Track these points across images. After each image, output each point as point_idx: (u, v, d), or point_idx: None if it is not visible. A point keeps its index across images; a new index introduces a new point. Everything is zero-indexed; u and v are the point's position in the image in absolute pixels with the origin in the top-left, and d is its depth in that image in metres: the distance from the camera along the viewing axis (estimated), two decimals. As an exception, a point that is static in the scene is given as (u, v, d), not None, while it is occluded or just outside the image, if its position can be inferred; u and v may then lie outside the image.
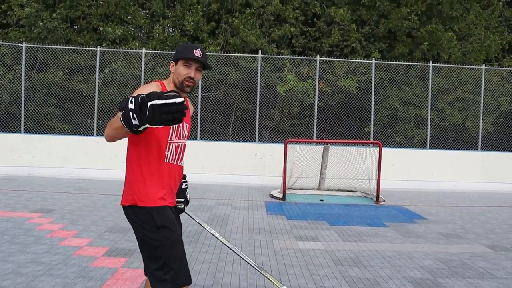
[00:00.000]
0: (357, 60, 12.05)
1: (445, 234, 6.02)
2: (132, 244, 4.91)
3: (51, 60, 11.57)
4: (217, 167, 10.50)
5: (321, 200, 8.44)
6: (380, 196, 8.43)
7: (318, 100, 11.63)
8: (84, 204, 7.00)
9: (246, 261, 2.78)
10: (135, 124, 1.79)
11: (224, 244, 2.81)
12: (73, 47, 11.53)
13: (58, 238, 5.03)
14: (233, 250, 2.81)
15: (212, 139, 11.55)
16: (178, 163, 2.43)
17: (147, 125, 1.80)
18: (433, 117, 11.96)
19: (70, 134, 11.06)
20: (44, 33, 12.11)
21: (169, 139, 2.33)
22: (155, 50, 11.89)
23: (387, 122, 12.16)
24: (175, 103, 1.73)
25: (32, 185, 8.58)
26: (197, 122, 11.11)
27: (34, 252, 4.45)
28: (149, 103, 1.73)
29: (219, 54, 11.85)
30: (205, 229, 2.87)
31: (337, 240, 5.50)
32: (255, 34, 12.77)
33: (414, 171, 10.80)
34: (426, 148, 11.46)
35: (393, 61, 12.55)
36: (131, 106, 1.78)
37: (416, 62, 12.16)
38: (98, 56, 11.00)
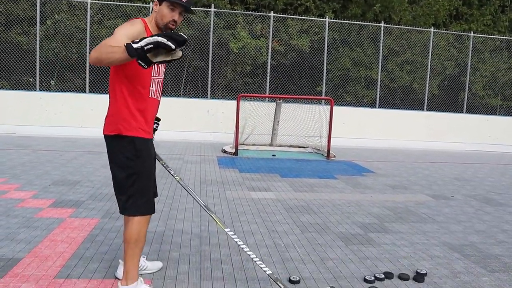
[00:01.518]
0: (311, 18, 11.99)
1: (392, 185, 6.29)
2: (81, 195, 4.75)
3: (-16, 8, 10.62)
4: (168, 123, 10.20)
5: (273, 155, 8.53)
6: (330, 152, 8.64)
7: (271, 59, 11.54)
8: (27, 160, 6.65)
9: (195, 199, 2.79)
10: (138, 46, 1.93)
11: (178, 182, 2.79)
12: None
13: (-1, 190, 4.77)
14: (185, 188, 2.78)
15: (163, 95, 11.20)
16: (158, 98, 2.56)
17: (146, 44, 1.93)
18: (382, 78, 12.26)
19: (9, 89, 10.35)
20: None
21: (152, 75, 2.44)
22: (101, 0, 11.20)
23: (339, 82, 12.34)
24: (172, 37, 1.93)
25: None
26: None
27: (-28, 204, 4.20)
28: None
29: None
30: (164, 166, 2.82)
31: (288, 190, 5.60)
32: (208, -12, 12.32)
33: (363, 129, 11.12)
34: (375, 107, 11.79)
35: (346, 22, 12.61)
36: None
37: (369, 23, 12.27)
38: (38, 3, 10.19)
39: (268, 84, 11.36)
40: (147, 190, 2.48)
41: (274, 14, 11.30)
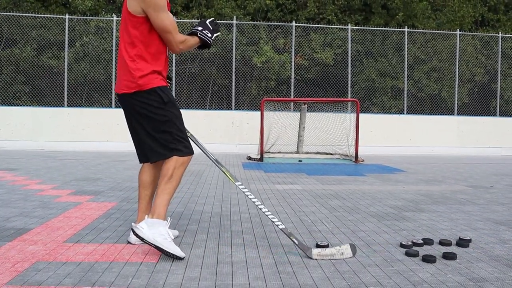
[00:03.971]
0: (333, 26, 11.90)
1: (425, 180, 5.93)
2: (101, 188, 4.63)
3: (18, 34, 11.05)
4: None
5: (299, 160, 8.28)
6: (359, 156, 8.32)
7: (295, 74, 11.45)
8: (53, 166, 6.65)
9: (205, 153, 2.71)
10: (209, 37, 2.59)
11: (190, 138, 2.64)
12: (40, 15, 11.04)
13: (20, 184, 4.71)
14: (196, 142, 2.66)
15: (189, 108, 11.17)
16: (167, 54, 2.61)
17: (214, 35, 2.61)
18: (409, 87, 11.95)
19: (38, 105, 10.60)
20: (9, 6, 11.57)
21: None
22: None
23: (364, 94, 12.08)
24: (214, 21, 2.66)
25: (-3, 155, 8.17)
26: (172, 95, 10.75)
27: (-8, 193, 4.14)
28: (207, 22, 2.65)
29: (192, 21, 11.53)
30: None
31: (315, 183, 5.34)
32: (230, 6, 12.52)
33: (392, 136, 10.75)
34: (403, 112, 11.43)
35: (369, 33, 12.46)
36: (200, 28, 2.58)
37: (392, 28, 12.07)
38: (66, 25, 10.53)
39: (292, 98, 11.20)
40: (183, 132, 2.52)
41: (296, 24, 11.28)
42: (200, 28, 2.57)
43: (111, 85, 10.81)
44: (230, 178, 2.69)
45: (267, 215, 2.60)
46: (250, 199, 2.63)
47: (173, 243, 2.34)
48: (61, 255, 2.35)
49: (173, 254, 2.29)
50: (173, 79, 10.78)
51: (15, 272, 2.07)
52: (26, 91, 11.31)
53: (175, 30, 2.44)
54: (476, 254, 2.55)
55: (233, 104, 10.83)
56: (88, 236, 2.72)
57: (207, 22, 2.61)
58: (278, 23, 11.74)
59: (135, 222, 2.54)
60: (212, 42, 2.62)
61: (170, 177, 2.42)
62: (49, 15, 11.08)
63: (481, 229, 3.16)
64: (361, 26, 13.44)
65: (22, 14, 10.85)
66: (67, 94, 10.56)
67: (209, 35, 2.57)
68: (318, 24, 13.30)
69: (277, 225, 2.56)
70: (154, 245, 2.29)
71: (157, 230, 2.32)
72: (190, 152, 2.53)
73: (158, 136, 2.45)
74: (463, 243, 2.69)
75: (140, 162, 2.64)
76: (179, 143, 2.46)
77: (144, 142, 2.51)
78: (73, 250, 2.43)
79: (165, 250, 2.28)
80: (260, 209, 2.62)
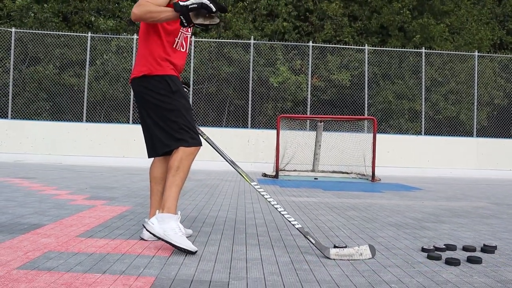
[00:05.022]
0: (350, 47, 11.94)
1: (445, 197, 5.77)
2: (115, 194, 4.62)
3: (42, 53, 11.37)
4: (209, 153, 10.12)
5: (315, 178, 8.18)
6: (375, 175, 8.18)
7: (312, 95, 11.46)
8: (69, 176, 6.69)
9: (221, 154, 2.66)
10: (185, 5, 2.17)
11: (207, 140, 2.64)
12: (63, 33, 11.34)
13: (37, 190, 4.73)
14: (211, 145, 2.62)
15: (206, 126, 11.20)
16: (183, 50, 2.57)
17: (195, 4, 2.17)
18: (426, 110, 11.82)
19: (58, 120, 10.78)
20: (35, 25, 11.96)
21: (181, 29, 2.49)
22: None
23: (381, 116, 11.98)
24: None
25: (16, 172, 8.26)
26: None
27: (7, 194, 4.15)
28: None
29: (211, 40, 11.70)
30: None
31: (332, 197, 5.23)
32: (248, 28, 12.72)
33: (409, 157, 10.58)
34: (421, 134, 11.28)
35: (386, 55, 12.46)
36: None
37: (409, 49, 12.05)
38: (88, 43, 10.81)
39: (308, 121, 11.17)
40: (190, 122, 2.44)
41: (313, 44, 11.36)
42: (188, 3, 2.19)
43: (129, 103, 10.97)
44: (246, 178, 2.64)
45: (282, 215, 2.54)
46: (266, 198, 2.57)
47: (185, 238, 2.28)
48: (73, 247, 2.31)
49: (184, 249, 2.23)
50: (191, 86, 10.86)
51: (27, 259, 2.04)
52: (47, 108, 11.54)
53: None
54: (503, 259, 2.43)
55: (249, 123, 10.85)
56: (100, 233, 2.68)
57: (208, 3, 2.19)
58: (295, 43, 11.84)
59: (148, 218, 2.50)
60: (193, 25, 2.26)
61: (177, 169, 2.37)
62: (72, 33, 11.38)
63: (506, 239, 3.02)
64: (378, 48, 13.49)
65: (46, 32, 11.17)
66: (86, 111, 10.74)
67: (190, 19, 2.21)
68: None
69: (293, 225, 2.49)
70: (165, 240, 2.25)
71: (168, 225, 2.28)
72: (197, 143, 2.45)
73: (164, 125, 2.40)
74: (488, 249, 2.57)
75: (149, 157, 2.60)
76: (185, 133, 2.40)
77: (151, 133, 2.47)
78: (85, 243, 2.39)
79: (177, 245, 2.23)
80: (276, 208, 2.56)
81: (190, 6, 2.17)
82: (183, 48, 2.54)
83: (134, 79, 2.46)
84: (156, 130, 2.43)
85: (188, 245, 2.25)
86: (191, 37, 2.57)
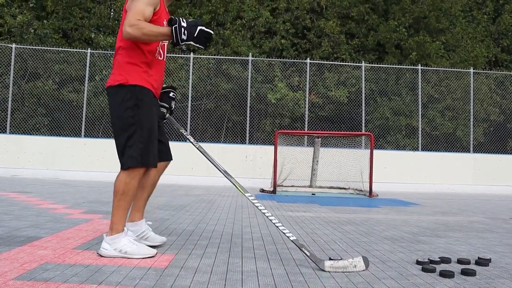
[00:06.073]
0: (347, 64, 12.07)
1: (441, 212, 5.79)
2: (112, 209, 4.62)
3: (41, 68, 11.46)
4: (205, 168, 10.16)
5: (312, 194, 8.19)
6: (373, 191, 8.20)
7: (309, 111, 11.54)
8: (66, 191, 6.69)
9: (214, 164, 2.70)
10: (182, 38, 2.25)
11: (198, 149, 2.68)
12: (63, 49, 11.46)
13: (33, 204, 4.74)
14: (204, 154, 2.65)
15: (203, 141, 11.26)
16: (161, 58, 2.58)
17: (190, 42, 2.26)
18: (423, 126, 11.91)
19: (56, 135, 10.81)
20: (35, 41, 12.08)
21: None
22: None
23: (379, 132, 12.05)
24: (210, 32, 2.30)
25: (13, 186, 8.26)
26: (187, 130, 10.90)
27: (4, 208, 4.16)
28: (199, 27, 2.26)
29: (209, 57, 11.83)
30: (183, 134, 2.73)
31: (329, 212, 5.25)
32: (246, 45, 12.87)
33: (407, 173, 10.61)
34: (418, 150, 11.33)
35: (383, 72, 12.60)
36: (184, 24, 2.25)
37: (406, 66, 12.19)
38: (88, 59, 10.92)
39: (306, 137, 11.23)
40: (144, 142, 2.39)
41: (311, 61, 11.49)
42: (183, 24, 2.26)
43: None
44: (240, 189, 2.67)
45: (277, 226, 2.57)
46: (260, 210, 2.60)
47: (141, 246, 2.42)
48: (69, 258, 2.33)
49: (144, 258, 2.38)
50: (189, 102, 10.94)
51: (23, 270, 2.05)
52: (45, 123, 11.58)
53: (139, 14, 2.26)
54: (497, 272, 2.45)
55: (247, 139, 10.89)
56: (97, 245, 2.69)
57: (198, 26, 2.27)
58: (293, 60, 11.97)
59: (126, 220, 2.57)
60: (184, 44, 2.30)
61: (122, 193, 2.40)
62: (72, 49, 11.49)
63: (500, 252, 3.04)
64: (375, 65, 13.66)
65: (46, 48, 11.28)
66: (85, 127, 10.78)
67: (184, 37, 2.25)
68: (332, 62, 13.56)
69: (288, 237, 2.51)
70: (126, 257, 2.36)
71: (120, 244, 2.38)
72: (146, 163, 2.41)
73: (120, 136, 2.42)
74: (482, 261, 2.59)
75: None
76: (136, 150, 2.37)
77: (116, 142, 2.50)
78: (82, 255, 2.41)
79: (137, 257, 2.37)
80: (271, 220, 2.59)
81: (185, 42, 2.27)
82: (160, 57, 2.56)
83: (109, 87, 2.45)
84: (116, 140, 2.46)
85: (145, 252, 2.40)
86: (168, 44, 2.66)
